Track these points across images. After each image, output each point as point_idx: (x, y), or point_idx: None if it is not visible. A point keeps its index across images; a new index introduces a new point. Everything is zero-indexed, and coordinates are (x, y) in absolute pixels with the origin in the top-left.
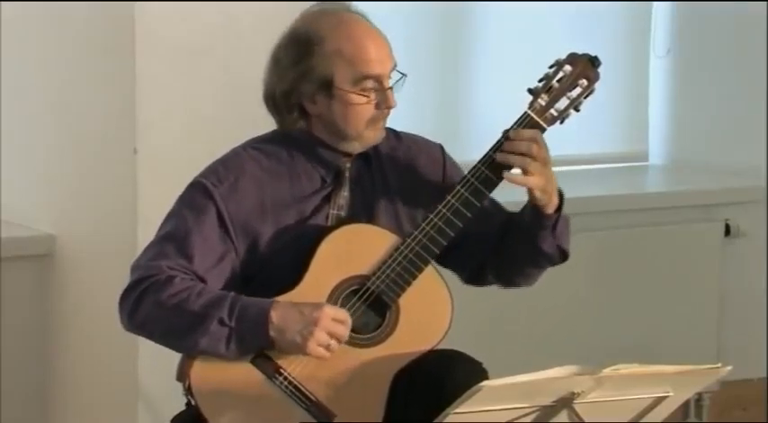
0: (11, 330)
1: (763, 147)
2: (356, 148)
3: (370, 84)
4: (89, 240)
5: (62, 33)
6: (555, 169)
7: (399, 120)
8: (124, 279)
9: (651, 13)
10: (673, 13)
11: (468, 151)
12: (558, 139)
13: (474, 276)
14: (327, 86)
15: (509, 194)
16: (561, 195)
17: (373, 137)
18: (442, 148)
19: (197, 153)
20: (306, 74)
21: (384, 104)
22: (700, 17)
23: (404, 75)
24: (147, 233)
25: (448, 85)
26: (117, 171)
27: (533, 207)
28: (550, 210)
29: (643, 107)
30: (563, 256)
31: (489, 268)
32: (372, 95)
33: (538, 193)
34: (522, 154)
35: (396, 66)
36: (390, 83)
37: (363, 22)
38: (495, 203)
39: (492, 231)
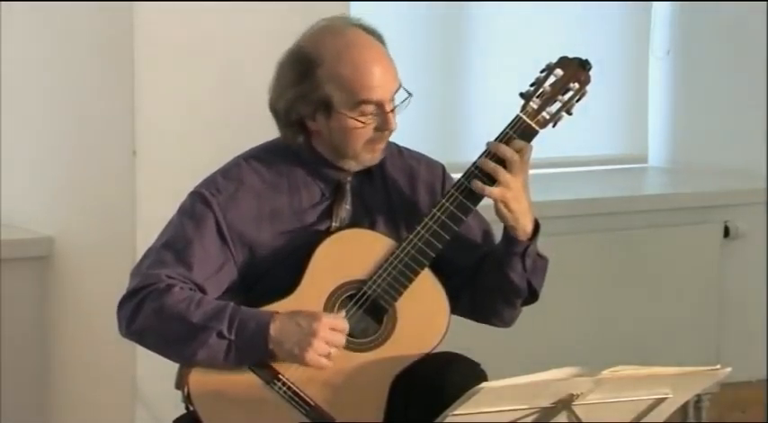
0: (10, 332)
1: (763, 148)
2: (352, 166)
3: (369, 108)
4: (88, 243)
5: (61, 34)
6: (554, 171)
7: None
8: (123, 281)
9: (651, 14)
10: (672, 13)
11: (468, 153)
12: (558, 140)
13: None
14: (326, 108)
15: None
16: (538, 228)
17: (370, 158)
18: (443, 167)
19: (196, 155)
20: (305, 95)
21: (384, 126)
22: (699, 18)
23: (409, 94)
24: (145, 235)
25: (446, 86)
26: (116, 173)
27: (505, 232)
28: (521, 235)
29: (643, 109)
30: (533, 294)
31: (464, 298)
32: (371, 119)
33: (502, 208)
34: (501, 160)
35: (400, 87)
36: (396, 102)
37: (368, 44)
38: (487, 235)
39: (469, 261)
